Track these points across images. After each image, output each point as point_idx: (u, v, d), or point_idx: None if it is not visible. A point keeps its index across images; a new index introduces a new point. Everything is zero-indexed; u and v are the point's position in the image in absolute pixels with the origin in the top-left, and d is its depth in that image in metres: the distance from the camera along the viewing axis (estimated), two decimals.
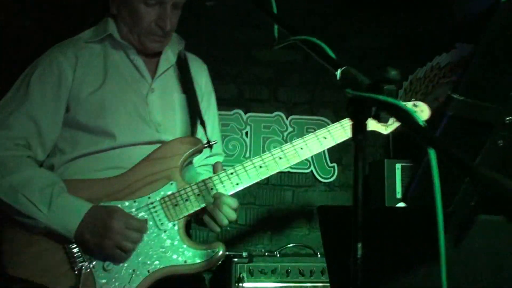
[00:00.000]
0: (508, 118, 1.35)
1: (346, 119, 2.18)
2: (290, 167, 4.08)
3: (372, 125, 2.29)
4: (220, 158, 2.53)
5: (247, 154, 4.14)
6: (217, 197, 2.09)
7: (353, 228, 1.28)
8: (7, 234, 2.02)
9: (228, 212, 2.09)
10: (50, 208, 1.96)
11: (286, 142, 4.16)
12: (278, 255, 3.75)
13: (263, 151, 4.17)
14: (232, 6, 4.03)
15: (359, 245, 1.28)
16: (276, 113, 4.23)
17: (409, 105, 2.27)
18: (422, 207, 1.47)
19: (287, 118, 4.24)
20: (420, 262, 1.43)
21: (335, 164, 4.24)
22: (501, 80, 1.32)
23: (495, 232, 1.83)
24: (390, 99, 1.16)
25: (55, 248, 2.00)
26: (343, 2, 4.34)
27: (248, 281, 3.51)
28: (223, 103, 4.18)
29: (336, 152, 4.21)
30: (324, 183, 4.25)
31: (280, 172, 4.13)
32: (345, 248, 1.80)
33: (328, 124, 4.16)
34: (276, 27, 1.53)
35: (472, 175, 1.01)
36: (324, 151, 4.16)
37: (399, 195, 3.76)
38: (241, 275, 3.52)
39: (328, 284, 3.56)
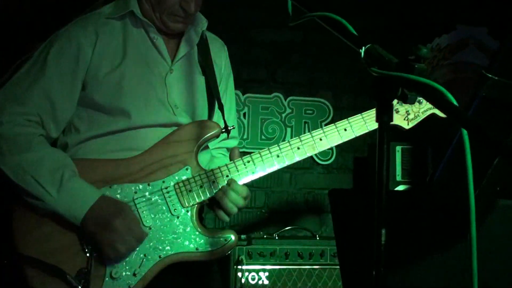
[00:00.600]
0: None
1: (367, 111, 2.14)
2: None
3: (394, 119, 2.25)
4: (235, 142, 2.51)
5: (245, 136, 4.11)
6: (229, 183, 2.07)
7: (377, 212, 1.24)
8: (18, 213, 1.99)
9: (237, 199, 2.07)
10: (59, 192, 1.93)
11: (284, 123, 4.15)
12: (276, 238, 3.74)
13: (261, 133, 4.13)
14: None
15: (383, 231, 1.25)
16: (274, 94, 4.19)
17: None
18: (444, 191, 1.43)
19: (285, 99, 4.20)
20: (439, 247, 1.40)
21: (333, 147, 4.21)
22: None
23: None
24: (422, 79, 1.13)
25: (66, 228, 1.97)
26: None
27: (247, 264, 3.53)
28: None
29: None
30: (322, 165, 4.24)
31: None
32: (357, 232, 1.78)
33: (327, 106, 4.19)
34: (290, 2, 1.47)
35: (505, 153, 0.98)
36: None
37: (399, 178, 3.75)
38: (240, 258, 3.53)
39: (327, 267, 3.58)
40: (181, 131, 2.12)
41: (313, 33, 4.25)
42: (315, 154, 4.05)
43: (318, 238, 3.76)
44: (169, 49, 2.21)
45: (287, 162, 2.14)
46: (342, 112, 4.12)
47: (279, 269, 3.55)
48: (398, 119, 2.22)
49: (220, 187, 2.07)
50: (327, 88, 4.27)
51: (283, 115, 4.17)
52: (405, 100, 1.20)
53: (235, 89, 3.97)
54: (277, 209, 4.17)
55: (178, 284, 2.07)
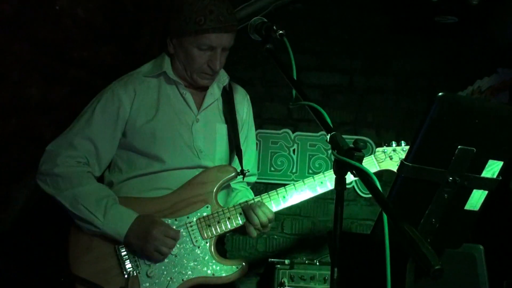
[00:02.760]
0: (450, 178, 1.59)
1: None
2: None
3: (386, 164, 2.52)
4: (254, 178, 2.81)
5: (294, 170, 4.39)
6: (257, 203, 2.37)
7: (332, 254, 1.56)
8: (73, 239, 2.36)
9: (261, 215, 2.34)
10: (105, 216, 2.28)
11: (330, 159, 4.42)
12: (317, 263, 3.96)
13: (309, 167, 4.41)
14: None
15: (336, 269, 1.54)
16: (321, 132, 4.43)
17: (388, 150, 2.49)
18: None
19: None
20: None
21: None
22: (444, 148, 1.57)
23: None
24: (355, 163, 1.47)
25: (109, 254, 2.32)
26: (387, 26, 4.46)
27: (288, 286, 3.77)
28: (273, 123, 4.46)
29: None
30: (365, 198, 4.41)
31: None
32: (350, 270, 2.03)
33: (370, 143, 4.41)
34: (294, 91, 1.86)
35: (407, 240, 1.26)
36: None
37: None
38: (282, 280, 3.79)
39: None
40: (204, 174, 2.42)
41: (359, 76, 4.51)
42: (358, 187, 4.30)
43: None
44: (196, 101, 2.51)
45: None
46: None
47: None
48: (392, 165, 2.51)
49: (235, 223, 2.38)
50: (371, 127, 4.45)
51: (329, 151, 4.40)
52: (355, 176, 1.53)
53: (286, 127, 4.40)
54: (320, 237, 4.38)
55: None
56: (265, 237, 4.40)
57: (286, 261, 3.91)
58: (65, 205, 2.32)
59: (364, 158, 2.42)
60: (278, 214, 2.52)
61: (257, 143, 4.29)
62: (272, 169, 4.42)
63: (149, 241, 2.25)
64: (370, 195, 4.27)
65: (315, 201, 4.43)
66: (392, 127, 4.45)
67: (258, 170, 2.95)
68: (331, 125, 1.64)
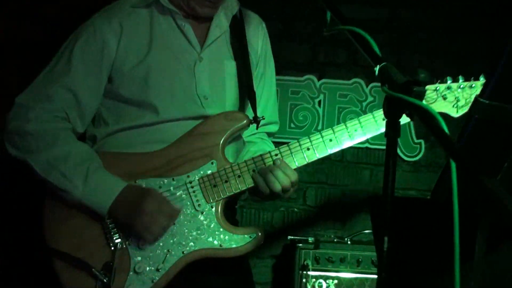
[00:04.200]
0: None
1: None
2: (369, 142, 4.31)
3: (439, 106, 2.50)
4: (276, 127, 2.85)
5: (319, 126, 4.38)
6: (277, 165, 2.36)
7: (383, 222, 1.56)
8: (48, 207, 2.40)
9: (282, 178, 2.33)
10: (85, 184, 2.31)
11: (365, 113, 4.39)
12: (349, 242, 3.99)
13: (338, 123, 4.38)
14: None
15: (386, 239, 1.55)
16: (354, 80, 4.42)
17: (465, 84, 2.46)
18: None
19: (367, 86, 4.42)
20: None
21: (421, 141, 4.39)
22: None
23: None
24: (416, 101, 1.46)
25: (92, 223, 2.36)
26: None
27: (313, 269, 3.80)
28: (293, 68, 4.45)
29: (423, 127, 4.33)
30: (408, 162, 4.41)
31: (357, 148, 4.38)
32: (393, 240, 2.06)
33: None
34: (328, 13, 1.83)
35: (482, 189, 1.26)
36: (409, 125, 4.32)
37: None
38: (305, 262, 3.80)
39: None
40: (208, 123, 2.43)
41: (401, 9, 4.45)
42: (400, 149, 4.29)
43: None
44: (198, 35, 2.50)
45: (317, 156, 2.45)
46: None
47: (350, 277, 3.79)
48: (446, 107, 2.47)
49: (246, 182, 2.39)
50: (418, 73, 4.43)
51: (364, 104, 4.40)
52: (411, 118, 1.53)
53: (310, 74, 4.40)
54: (352, 210, 4.41)
55: (206, 281, 2.42)
56: (282, 210, 4.43)
57: (310, 239, 3.94)
58: (36, 170, 2.34)
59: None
60: (300, 182, 2.52)
61: None
62: (292, 125, 4.43)
63: (138, 217, 2.29)
64: (415, 159, 4.29)
65: (346, 166, 4.45)
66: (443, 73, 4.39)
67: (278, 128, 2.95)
68: (380, 55, 1.63)
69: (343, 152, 4.34)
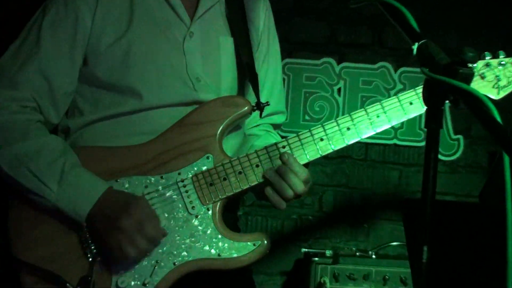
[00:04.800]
0: None
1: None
2: (397, 137, 4.25)
3: (479, 87, 2.43)
4: (282, 118, 2.80)
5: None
6: (285, 161, 2.30)
7: (421, 228, 1.53)
8: (14, 210, 2.33)
9: (296, 183, 2.28)
10: (60, 185, 2.24)
11: None
12: (373, 256, 3.96)
13: None
14: None
15: (425, 248, 1.52)
16: (380, 63, 4.39)
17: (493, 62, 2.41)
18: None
19: (395, 71, 4.39)
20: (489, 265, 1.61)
21: (460, 137, 4.37)
22: None
23: None
24: (463, 85, 1.42)
25: (67, 230, 2.29)
26: None
27: None
28: (308, 49, 4.42)
29: (463, 120, 4.30)
30: (444, 161, 4.37)
31: (383, 144, 4.32)
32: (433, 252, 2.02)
33: None
34: None
35: None
36: (446, 119, 4.27)
37: None
38: (322, 280, 3.79)
39: None
40: (202, 111, 2.38)
41: None
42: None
43: None
44: (188, 6, 2.47)
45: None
46: None
47: None
48: (485, 87, 2.42)
49: (248, 180, 2.32)
50: (450, 39, 4.37)
51: (392, 92, 4.37)
52: (456, 105, 1.50)
53: (328, 56, 4.33)
54: (378, 218, 4.39)
55: None
56: (295, 218, 4.41)
57: (328, 253, 3.91)
58: (3, 169, 2.29)
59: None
60: (315, 184, 2.46)
61: (284, 79, 4.25)
62: (307, 117, 4.41)
63: (114, 233, 2.21)
64: (452, 158, 4.23)
65: (370, 166, 4.42)
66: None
67: (286, 119, 2.90)
68: (418, 30, 1.60)
69: (367, 149, 4.31)
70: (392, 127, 4.23)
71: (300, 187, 2.29)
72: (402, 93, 2.42)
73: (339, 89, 4.39)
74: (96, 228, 2.26)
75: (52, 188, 2.25)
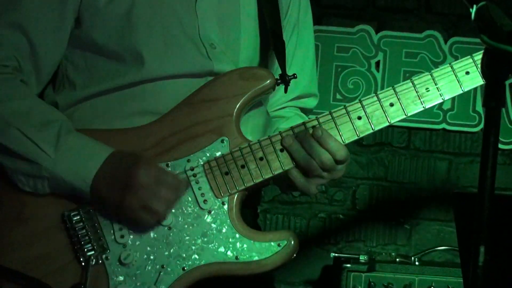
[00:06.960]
0: None
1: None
2: (447, 121, 4.26)
3: None
4: (314, 102, 2.82)
5: None
6: (318, 137, 2.27)
7: (476, 227, 1.57)
8: None
9: (321, 154, 2.26)
10: (57, 148, 2.22)
11: None
12: (417, 263, 3.99)
13: None
14: None
15: (482, 249, 1.55)
16: (427, 32, 4.40)
17: None
18: None
19: (445, 42, 4.40)
20: None
21: None
22: None
23: None
24: None
25: (54, 228, 2.28)
26: None
27: None
28: (341, 14, 4.45)
29: None
30: (503, 150, 4.40)
31: (429, 130, 4.33)
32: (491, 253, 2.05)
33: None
34: None
35: None
36: (506, 99, 4.27)
37: None
38: None
39: None
40: (214, 86, 2.38)
41: None
42: None
43: None
44: None
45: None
46: None
47: None
48: None
49: (271, 167, 2.31)
50: None
51: (440, 66, 4.34)
52: None
53: (364, 23, 4.34)
54: (421, 217, 4.42)
55: None
56: (322, 216, 4.42)
57: (362, 258, 3.93)
58: None
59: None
60: (347, 177, 2.46)
61: None
62: (339, 96, 4.44)
63: (131, 192, 2.19)
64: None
65: (413, 156, 4.43)
66: None
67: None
68: None
69: (409, 135, 4.32)
70: (441, 109, 4.29)
71: (338, 150, 2.27)
72: (456, 61, 2.40)
73: (377, 63, 4.42)
74: (105, 196, 2.25)
75: (49, 152, 2.23)
